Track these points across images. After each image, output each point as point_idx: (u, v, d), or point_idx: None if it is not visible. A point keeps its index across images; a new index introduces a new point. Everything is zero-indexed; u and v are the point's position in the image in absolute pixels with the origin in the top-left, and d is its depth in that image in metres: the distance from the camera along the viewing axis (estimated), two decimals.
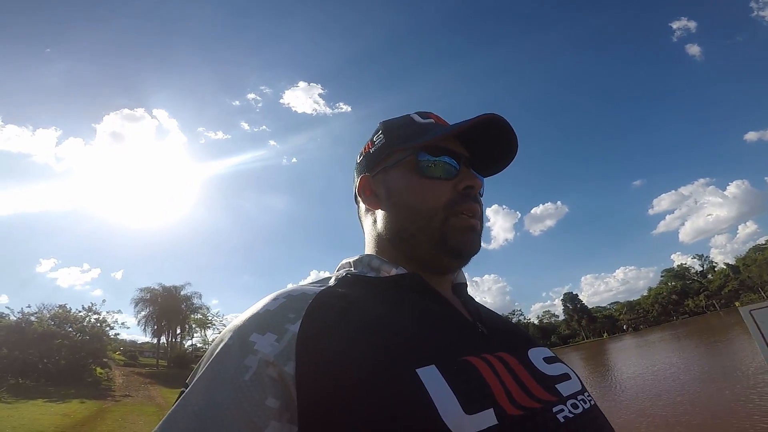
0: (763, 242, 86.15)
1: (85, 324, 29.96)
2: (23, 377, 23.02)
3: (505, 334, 0.62)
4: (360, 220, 0.75)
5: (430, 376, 0.43)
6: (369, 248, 0.69)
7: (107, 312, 33.17)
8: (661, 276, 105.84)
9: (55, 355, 25.39)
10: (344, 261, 0.68)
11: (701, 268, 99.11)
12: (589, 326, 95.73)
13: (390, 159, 0.67)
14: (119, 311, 36.03)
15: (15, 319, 27.54)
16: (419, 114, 0.70)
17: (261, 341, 0.47)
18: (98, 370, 28.07)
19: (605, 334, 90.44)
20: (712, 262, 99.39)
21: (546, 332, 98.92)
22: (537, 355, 0.58)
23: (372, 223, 0.69)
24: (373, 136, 0.72)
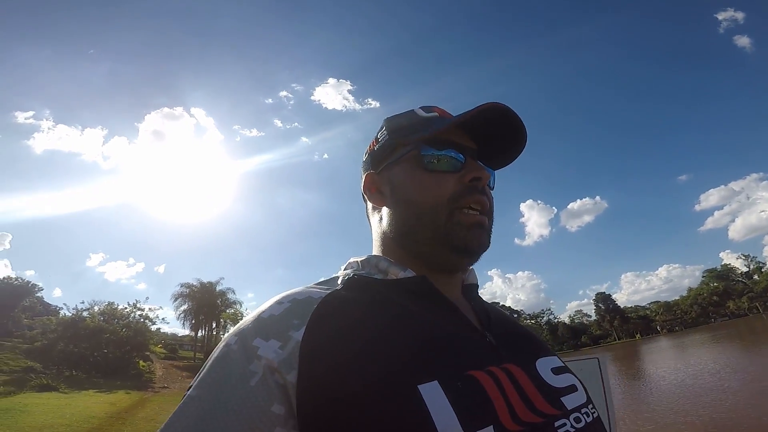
0: None
1: (130, 319, 32.99)
2: (76, 369, 25.83)
3: (513, 343, 0.60)
4: (368, 219, 0.74)
5: (432, 393, 0.43)
6: (376, 247, 0.69)
7: (150, 308, 36.17)
8: (703, 276, 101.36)
9: (103, 348, 28.17)
10: (352, 260, 0.67)
11: (747, 269, 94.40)
12: (621, 327, 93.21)
13: (393, 155, 0.66)
14: (160, 307, 39.17)
15: (70, 315, 30.85)
16: (423, 108, 0.69)
17: (265, 347, 0.47)
18: (141, 363, 30.77)
19: (638, 335, 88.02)
20: (759, 262, 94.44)
21: (576, 332, 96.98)
22: (545, 365, 0.57)
23: (378, 221, 0.69)
24: (378, 133, 0.71)
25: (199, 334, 48.32)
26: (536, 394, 0.50)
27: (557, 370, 0.58)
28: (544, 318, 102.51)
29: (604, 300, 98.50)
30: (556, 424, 0.48)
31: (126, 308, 34.18)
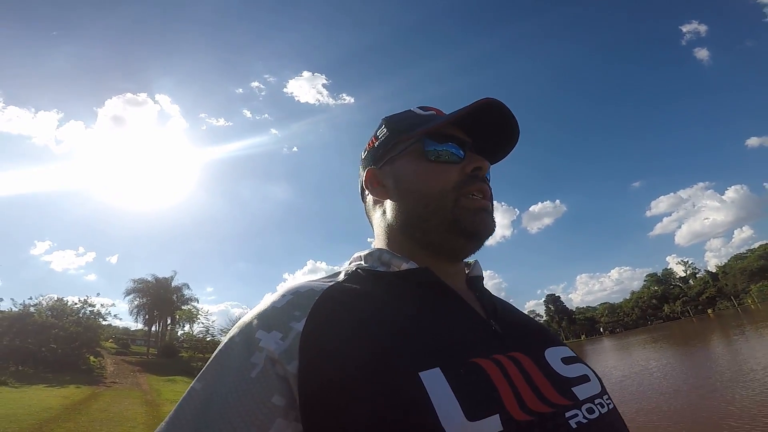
0: (745, 251, 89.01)
1: (80, 315, 32.42)
2: (23, 365, 25.43)
3: (521, 332, 0.59)
4: (368, 216, 0.75)
5: (433, 380, 0.42)
6: (379, 241, 0.69)
7: (102, 304, 35.61)
8: (645, 280, 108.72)
9: (52, 344, 27.77)
10: (356, 255, 0.68)
11: (684, 274, 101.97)
12: (569, 327, 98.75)
13: (396, 149, 0.68)
14: (113, 304, 38.43)
15: (16, 309, 30.00)
16: (421, 108, 0.72)
17: (266, 339, 0.47)
18: (91, 358, 30.43)
19: (583, 336, 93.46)
20: (695, 268, 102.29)
21: None
22: (554, 355, 0.56)
23: (381, 215, 0.69)
24: (377, 131, 0.73)
25: (153, 329, 47.61)
26: (545, 384, 0.49)
27: (568, 360, 0.57)
28: None
29: (553, 301, 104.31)
30: (567, 414, 0.46)
31: (76, 304, 33.53)
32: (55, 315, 30.52)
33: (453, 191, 0.61)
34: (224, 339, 0.52)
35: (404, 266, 0.60)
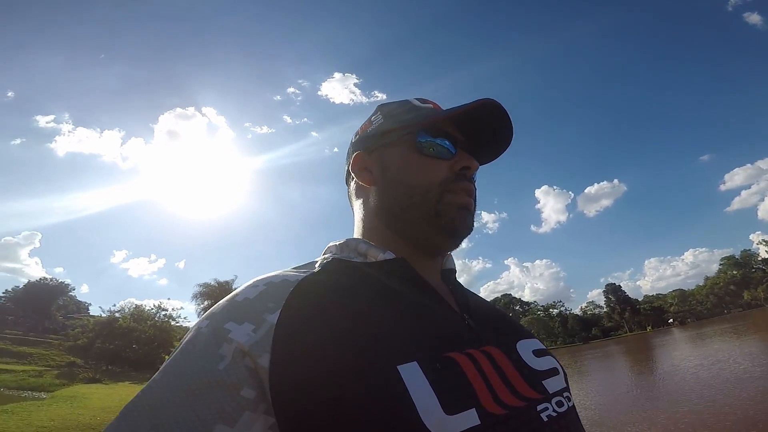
0: None
1: (156, 319, 36.62)
2: (111, 364, 29.50)
3: (493, 326, 0.60)
4: (350, 201, 0.73)
5: (411, 374, 0.42)
6: (357, 230, 0.69)
7: (173, 308, 39.99)
8: (720, 264, 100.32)
9: (133, 345, 31.80)
10: (330, 244, 0.66)
11: None
12: (633, 318, 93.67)
13: (388, 137, 0.67)
14: (182, 307, 42.76)
15: (105, 316, 34.69)
16: (419, 99, 0.71)
17: (237, 330, 0.45)
18: (166, 357, 34.46)
19: (649, 327, 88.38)
20: None
21: (587, 324, 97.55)
22: (526, 347, 0.57)
23: (363, 202, 0.68)
24: (372, 116, 0.73)
25: None
26: (517, 378, 0.49)
27: (538, 353, 0.58)
28: (555, 311, 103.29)
29: (613, 291, 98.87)
30: (539, 407, 0.47)
31: (152, 309, 37.92)
32: (135, 319, 34.69)
33: (439, 186, 0.61)
34: (191, 329, 0.50)
35: (381, 257, 0.59)
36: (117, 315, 34.78)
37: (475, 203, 0.66)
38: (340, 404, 0.40)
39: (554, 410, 0.49)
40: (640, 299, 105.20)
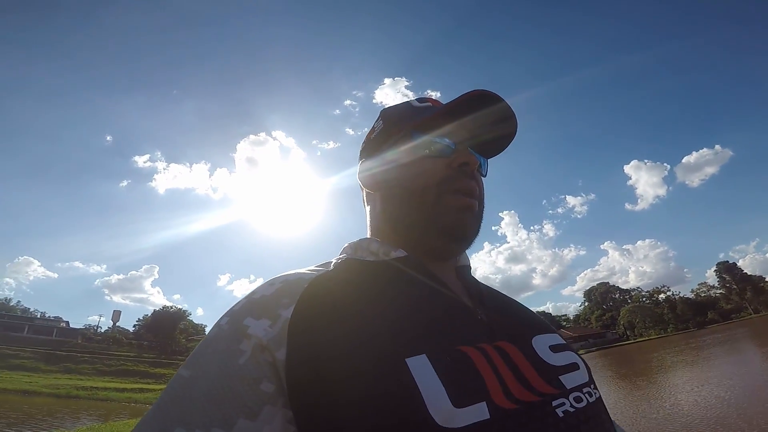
0: None
1: None
2: None
3: (508, 321, 0.58)
4: (364, 206, 0.74)
5: (420, 366, 0.41)
6: (370, 232, 0.69)
7: None
8: None
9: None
10: (345, 245, 0.67)
11: None
12: (757, 298, 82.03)
13: (387, 142, 0.67)
14: None
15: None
16: (418, 99, 0.71)
17: (255, 326, 0.46)
18: None
19: None
20: None
21: (701, 308, 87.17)
22: (542, 343, 0.55)
23: (372, 208, 0.69)
24: (375, 123, 0.73)
25: None
26: (532, 373, 0.48)
27: (556, 348, 0.55)
28: (661, 296, 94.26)
29: (728, 269, 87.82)
30: (554, 403, 0.46)
31: None
32: None
33: (437, 187, 0.60)
34: (212, 326, 0.51)
35: (392, 254, 0.60)
36: None
37: (481, 202, 0.64)
38: (350, 395, 0.40)
39: (571, 405, 0.47)
40: None
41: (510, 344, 0.51)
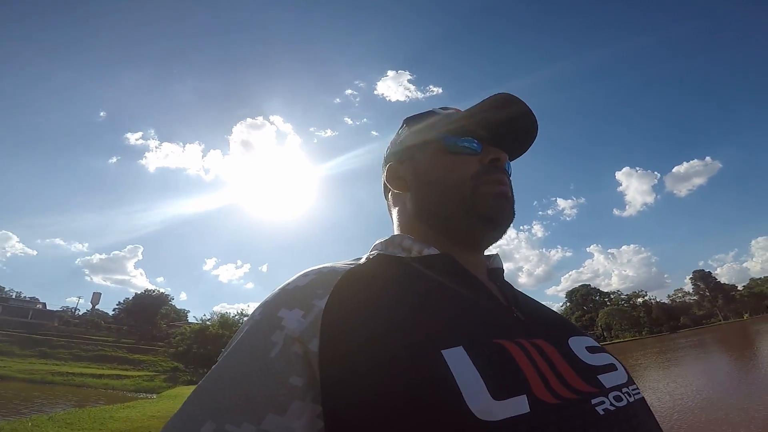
0: None
1: (239, 325, 41.54)
2: (206, 367, 34.10)
3: (543, 322, 0.57)
4: (390, 213, 0.75)
5: (456, 358, 0.40)
6: (398, 232, 0.69)
7: None
8: None
9: (222, 350, 36.41)
10: (377, 242, 0.67)
11: None
12: (727, 306, 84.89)
13: (416, 146, 0.69)
14: None
15: (198, 323, 40.22)
16: (441, 108, 0.73)
17: (288, 317, 0.46)
18: None
19: (746, 314, 79.68)
20: None
21: (674, 313, 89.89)
22: (579, 344, 0.54)
23: (400, 209, 0.70)
24: (399, 130, 0.76)
25: None
26: (569, 371, 0.47)
27: (593, 349, 0.55)
28: (639, 300, 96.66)
29: (703, 278, 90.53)
30: (594, 401, 0.44)
31: (236, 316, 42.99)
32: (222, 326, 39.64)
33: (471, 180, 0.62)
34: (247, 319, 0.51)
35: (425, 251, 0.59)
36: (207, 323, 40.06)
37: (512, 192, 0.66)
38: (384, 387, 0.39)
39: (612, 404, 0.45)
40: (747, 282, 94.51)
41: (546, 342, 0.50)
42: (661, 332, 78.65)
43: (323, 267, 0.55)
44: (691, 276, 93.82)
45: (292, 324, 0.45)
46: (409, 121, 0.75)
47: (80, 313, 74.34)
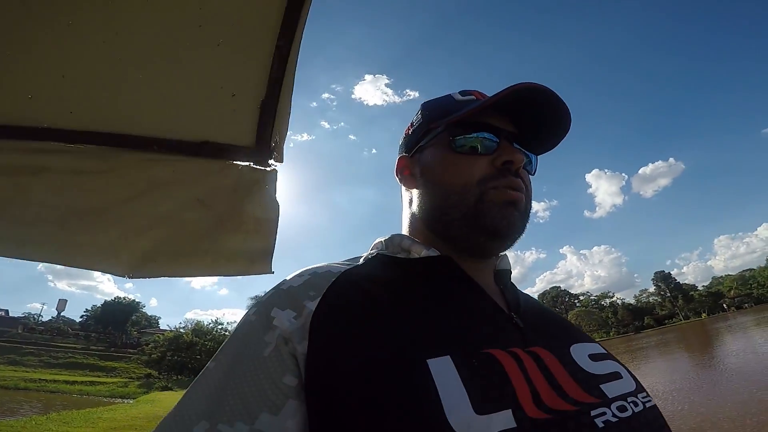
0: None
1: (214, 333, 41.53)
2: (179, 374, 34.16)
3: (545, 328, 0.56)
4: (401, 201, 0.72)
5: (442, 368, 0.39)
6: (403, 229, 0.68)
7: (228, 323, 45.53)
8: None
9: (197, 356, 36.44)
10: (377, 240, 0.66)
11: None
12: (687, 306, 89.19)
13: (425, 138, 0.65)
14: (236, 321, 49.01)
15: (172, 331, 40.06)
16: (461, 92, 0.66)
17: (281, 317, 0.46)
18: None
19: (704, 314, 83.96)
20: None
21: (639, 313, 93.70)
22: (581, 351, 0.52)
23: (408, 204, 0.68)
24: (414, 117, 0.70)
25: None
26: (569, 381, 0.45)
27: (597, 357, 0.52)
28: (606, 302, 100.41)
29: (664, 279, 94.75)
30: (593, 412, 0.42)
31: (210, 324, 43.09)
32: (196, 334, 39.61)
33: (477, 186, 0.57)
34: (241, 318, 0.51)
35: (424, 253, 0.57)
36: (181, 330, 40.01)
37: (528, 200, 0.61)
38: (366, 394, 0.38)
39: (614, 415, 0.43)
40: (710, 280, 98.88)
41: (546, 351, 0.48)
42: (627, 332, 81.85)
43: (319, 267, 0.54)
44: (653, 277, 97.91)
45: (284, 324, 0.45)
46: (424, 107, 0.70)
47: (44, 320, 71.95)
